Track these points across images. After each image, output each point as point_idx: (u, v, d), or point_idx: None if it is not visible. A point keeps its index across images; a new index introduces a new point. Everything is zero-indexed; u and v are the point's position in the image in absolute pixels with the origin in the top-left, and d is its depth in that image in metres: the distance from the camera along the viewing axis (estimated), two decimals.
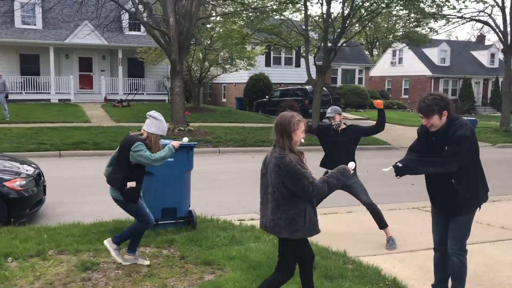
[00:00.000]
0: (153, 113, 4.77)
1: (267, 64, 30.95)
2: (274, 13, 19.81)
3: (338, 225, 6.62)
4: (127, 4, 21.72)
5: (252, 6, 19.24)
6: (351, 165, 3.48)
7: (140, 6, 17.58)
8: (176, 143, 4.82)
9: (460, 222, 3.79)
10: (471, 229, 5.17)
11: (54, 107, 21.27)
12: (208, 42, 24.25)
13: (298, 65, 30.98)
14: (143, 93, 26.39)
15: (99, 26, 20.34)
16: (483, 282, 4.52)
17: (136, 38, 25.98)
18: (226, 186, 9.23)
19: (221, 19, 21.75)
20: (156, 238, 5.30)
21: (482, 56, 39.73)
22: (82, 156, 13.00)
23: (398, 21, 22.89)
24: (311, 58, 21.06)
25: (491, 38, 40.54)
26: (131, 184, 4.45)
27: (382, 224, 5.68)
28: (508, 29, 21.14)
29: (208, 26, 24.19)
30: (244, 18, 19.72)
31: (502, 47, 22.09)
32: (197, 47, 23.28)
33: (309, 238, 3.57)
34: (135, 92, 25.58)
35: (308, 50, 19.65)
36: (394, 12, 20.82)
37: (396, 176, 3.71)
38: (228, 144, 14.93)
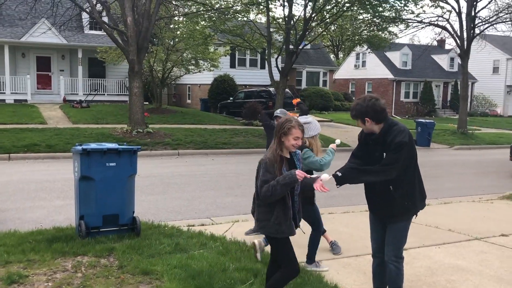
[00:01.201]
0: (301, 119, 4.79)
1: (232, 65, 30.81)
2: (237, 14, 19.72)
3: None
4: (84, 3, 21.14)
5: (215, 7, 19.08)
6: (324, 177, 3.40)
7: (98, 5, 17.12)
8: (334, 146, 5.01)
9: (397, 229, 3.75)
10: (419, 233, 5.19)
11: (8, 107, 20.45)
12: (171, 42, 23.90)
13: (263, 66, 30.96)
14: (104, 94, 25.77)
15: (56, 24, 19.72)
16: (423, 287, 4.51)
17: (96, 37, 25.34)
18: (181, 190, 9.02)
19: (183, 19, 21.48)
20: (96, 246, 5.06)
21: (442, 60, 40.84)
22: (34, 159, 12.50)
23: (361, 24, 23.20)
24: (274, 60, 21.08)
25: (451, 42, 41.72)
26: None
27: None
28: (465, 34, 21.75)
29: (171, 26, 23.86)
30: (207, 18, 19.53)
31: (459, 51, 22.71)
32: (159, 47, 22.92)
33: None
34: (95, 92, 24.93)
35: (270, 52, 19.64)
36: (359, 17, 21.10)
37: (336, 185, 3.65)
38: (188, 146, 14.70)
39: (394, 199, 3.66)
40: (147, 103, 29.12)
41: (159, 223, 6.17)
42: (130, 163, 5.55)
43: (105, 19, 18.88)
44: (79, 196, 5.41)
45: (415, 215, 3.81)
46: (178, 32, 22.60)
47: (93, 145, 5.47)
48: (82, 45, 24.54)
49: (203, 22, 19.95)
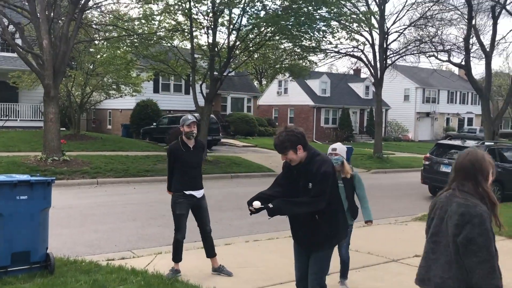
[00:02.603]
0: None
1: (156, 90, 30.37)
2: (161, 40, 19.57)
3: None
4: None
5: (138, 32, 18.80)
6: (256, 204, 3.57)
7: (11, 26, 16.17)
8: None
9: (320, 257, 3.82)
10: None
11: None
12: (91, 66, 23.10)
13: (187, 92, 30.84)
14: (17, 119, 24.17)
15: None
16: None
17: (8, 60, 23.86)
18: (101, 222, 8.59)
19: (104, 43, 20.90)
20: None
21: (358, 88, 43.32)
22: None
23: (283, 53, 24.03)
24: (198, 86, 21.08)
25: (366, 72, 44.52)
26: None
27: (212, 253, 5.71)
28: (378, 64, 23.27)
29: (91, 50, 23.09)
30: (129, 43, 19.16)
31: (373, 80, 24.21)
32: (78, 71, 22.04)
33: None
34: (6, 118, 23.31)
35: (194, 78, 19.64)
36: (281, 46, 21.82)
37: (268, 217, 3.69)
38: (108, 174, 14.10)
39: (319, 228, 3.73)
40: (64, 129, 27.62)
41: (76, 259, 5.81)
42: (43, 196, 5.19)
43: (19, 41, 17.87)
44: None
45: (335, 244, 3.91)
46: (98, 56, 21.93)
47: (1, 177, 5.06)
48: None
49: (125, 47, 19.54)
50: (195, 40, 19.96)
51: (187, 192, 5.50)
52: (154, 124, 26.48)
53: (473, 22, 26.00)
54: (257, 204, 3.57)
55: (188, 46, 20.31)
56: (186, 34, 19.69)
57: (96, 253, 6.62)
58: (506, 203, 11.76)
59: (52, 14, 15.15)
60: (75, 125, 23.08)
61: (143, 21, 18.09)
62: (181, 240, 5.53)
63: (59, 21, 16.26)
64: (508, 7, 28.34)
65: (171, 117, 26.02)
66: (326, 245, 3.82)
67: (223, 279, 5.46)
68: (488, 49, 26.72)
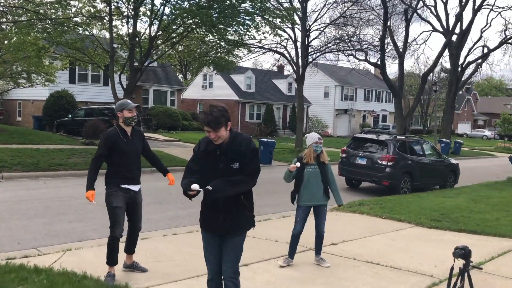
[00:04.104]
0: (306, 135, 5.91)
1: (72, 80, 28.73)
2: (77, 27, 18.46)
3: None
4: None
5: (51, 17, 17.56)
6: (194, 186, 3.42)
7: None
8: (291, 167, 5.65)
9: (237, 243, 3.72)
10: (259, 247, 5.24)
11: None
12: None
13: (106, 83, 29.51)
14: None
15: None
16: None
17: None
18: (2, 219, 7.85)
19: (12, 28, 19.31)
20: None
21: (281, 84, 44.10)
22: None
23: (208, 47, 23.77)
24: (117, 77, 20.21)
25: (289, 69, 45.45)
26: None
27: (133, 250, 5.34)
28: (300, 61, 23.78)
29: None
30: (40, 29, 17.84)
31: (295, 77, 24.71)
32: None
33: None
34: None
35: (113, 68, 18.80)
36: (206, 39, 21.50)
37: (205, 200, 3.60)
38: (14, 169, 13.02)
39: (241, 210, 3.66)
40: None
41: None
42: None
43: None
44: None
45: (253, 228, 3.82)
46: (6, 42, 20.24)
47: None
48: None
49: (36, 33, 18.15)
50: (115, 29, 19.10)
51: (123, 186, 5.01)
52: (70, 116, 25.02)
53: (388, 23, 27.48)
54: (195, 186, 3.41)
55: (107, 35, 19.38)
56: (105, 22, 18.76)
57: None
58: (416, 193, 12.50)
59: None
60: None
61: (56, 5, 16.91)
62: (119, 238, 4.97)
63: None
64: (419, 11, 30.33)
65: (87, 109, 24.75)
66: (245, 229, 3.75)
67: (137, 274, 5.19)
68: (401, 50, 28.40)
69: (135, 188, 5.13)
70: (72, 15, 18.02)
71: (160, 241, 6.75)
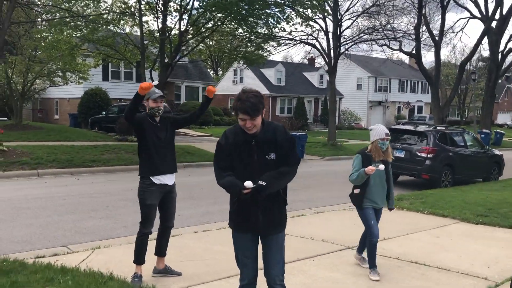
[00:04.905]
0: (370, 127, 5.42)
1: (105, 78, 29.13)
2: (109, 24, 18.54)
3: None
4: None
5: (83, 15, 17.70)
6: (247, 184, 3.11)
7: None
8: (370, 169, 4.92)
9: (281, 243, 3.44)
10: (293, 245, 4.92)
11: None
12: (33, 52, 21.69)
13: (139, 80, 29.75)
14: None
15: None
16: None
17: None
18: (35, 216, 7.83)
19: (46, 26, 19.59)
20: None
21: (312, 77, 43.44)
22: None
23: (238, 42, 23.52)
24: (149, 73, 20.24)
25: (320, 62, 44.83)
26: (356, 190, 5.21)
27: (164, 252, 5.01)
28: (332, 52, 23.18)
29: (32, 34, 21.67)
30: (73, 27, 18.00)
31: (327, 68, 24.13)
32: (18, 56, 20.62)
33: None
34: None
35: (144, 64, 18.81)
36: (236, 32, 21.24)
37: (259, 197, 3.19)
38: (50, 165, 13.15)
39: (280, 205, 3.38)
40: (5, 118, 26.02)
41: None
42: None
43: None
44: None
45: None
46: (42, 42, 20.55)
47: None
48: None
49: (70, 30, 18.35)
50: (145, 25, 19.09)
51: (157, 181, 4.65)
52: (103, 113, 25.37)
53: (423, 11, 26.46)
54: (249, 184, 3.10)
55: (138, 32, 19.39)
56: (135, 17, 18.77)
57: (26, 250, 5.94)
58: (458, 187, 11.86)
59: None
60: (17, 115, 21.66)
61: (87, 2, 17.00)
62: (148, 234, 4.71)
63: None
64: None
65: (121, 106, 24.97)
66: (285, 226, 3.46)
67: (165, 276, 4.96)
68: (437, 38, 27.33)
69: (169, 181, 4.78)
70: (103, 12, 18.12)
71: (190, 239, 6.53)
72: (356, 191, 5.22)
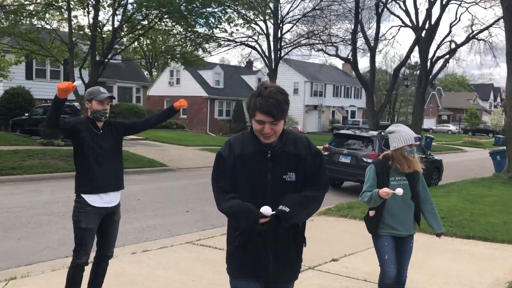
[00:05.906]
0: (389, 128, 4.00)
1: (29, 76, 26.85)
2: (33, 17, 16.87)
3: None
4: None
5: (3, 4, 15.95)
6: (266, 210, 2.29)
7: None
8: (385, 192, 3.47)
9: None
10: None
11: None
12: None
13: (66, 79, 27.74)
14: None
15: None
16: None
17: None
18: None
19: None
20: None
21: (251, 80, 43.18)
22: None
23: (175, 41, 22.52)
24: (78, 72, 18.73)
25: (258, 65, 44.74)
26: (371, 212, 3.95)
27: (100, 285, 4.13)
28: (272, 55, 22.90)
29: None
30: None
31: (268, 71, 23.82)
32: None
33: None
34: None
35: (73, 62, 17.33)
36: (174, 31, 20.26)
37: (280, 227, 2.37)
38: None
39: (300, 244, 2.62)
40: None
41: None
42: None
43: None
44: None
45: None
46: None
47: None
48: None
49: None
50: (75, 20, 17.61)
51: (95, 197, 3.76)
52: (27, 114, 23.31)
53: (359, 17, 26.99)
54: (267, 210, 2.29)
55: (66, 27, 17.85)
56: (63, 11, 17.24)
57: None
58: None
59: None
60: None
61: None
62: (83, 266, 3.83)
63: None
64: (388, 6, 29.99)
65: (46, 107, 23.02)
66: (298, 273, 2.69)
67: None
68: (372, 44, 27.99)
69: (113, 201, 3.88)
70: (26, 3, 16.45)
71: (128, 262, 5.64)
72: (372, 213, 3.93)
